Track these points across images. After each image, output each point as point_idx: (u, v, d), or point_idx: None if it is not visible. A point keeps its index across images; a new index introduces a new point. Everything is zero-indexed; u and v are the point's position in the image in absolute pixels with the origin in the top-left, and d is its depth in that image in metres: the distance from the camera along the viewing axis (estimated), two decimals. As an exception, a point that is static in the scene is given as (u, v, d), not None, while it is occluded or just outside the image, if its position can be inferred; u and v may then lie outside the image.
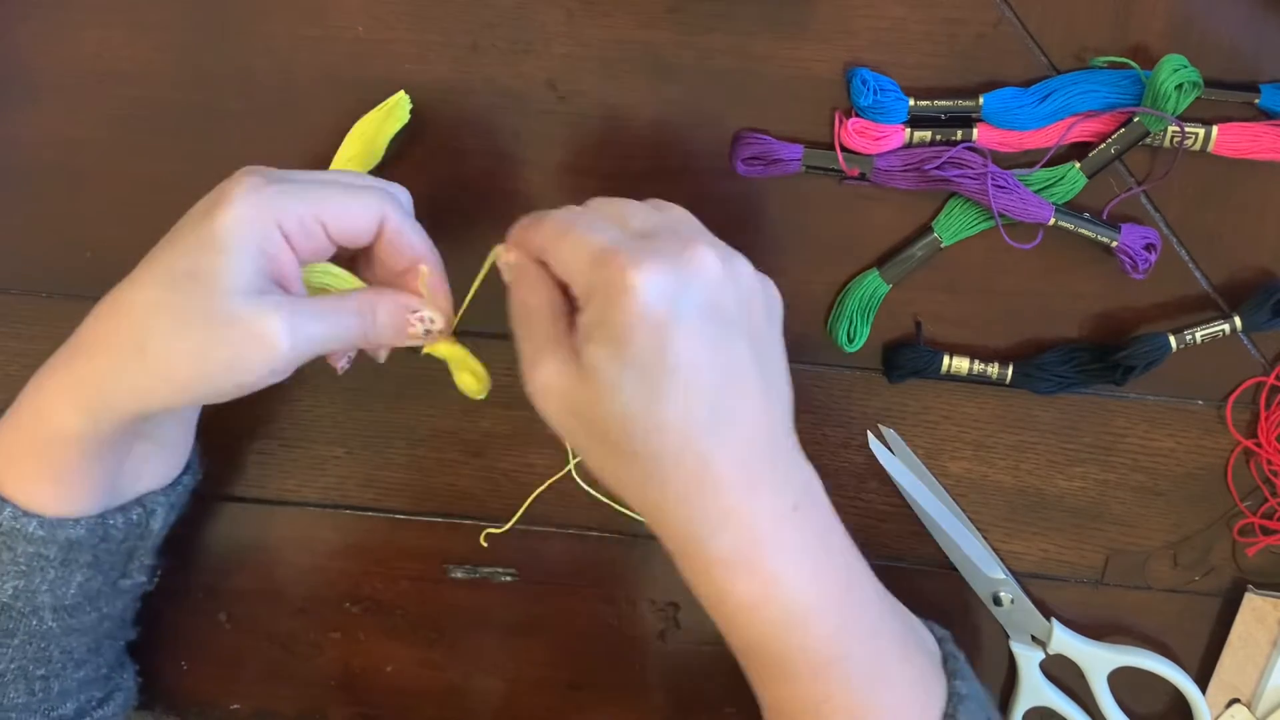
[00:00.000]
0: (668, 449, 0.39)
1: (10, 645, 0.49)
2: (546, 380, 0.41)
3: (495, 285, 0.46)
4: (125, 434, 0.47)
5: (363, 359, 0.50)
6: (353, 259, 0.48)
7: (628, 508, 0.44)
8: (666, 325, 0.38)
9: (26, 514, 0.46)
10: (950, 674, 0.46)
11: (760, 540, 0.41)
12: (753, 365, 0.41)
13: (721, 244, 0.42)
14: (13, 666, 0.49)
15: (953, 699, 0.44)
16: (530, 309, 0.43)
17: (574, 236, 0.41)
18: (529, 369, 0.42)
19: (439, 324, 0.47)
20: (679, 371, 0.38)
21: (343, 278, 0.48)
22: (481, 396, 0.50)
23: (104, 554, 0.50)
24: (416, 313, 0.46)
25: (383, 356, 0.49)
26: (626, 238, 0.41)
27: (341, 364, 0.50)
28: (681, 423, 0.39)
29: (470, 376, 0.49)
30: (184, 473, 0.53)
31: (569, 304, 0.42)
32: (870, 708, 0.43)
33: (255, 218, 0.42)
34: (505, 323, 0.44)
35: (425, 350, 0.48)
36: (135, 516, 0.50)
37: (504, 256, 0.45)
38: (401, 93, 0.53)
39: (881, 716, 0.43)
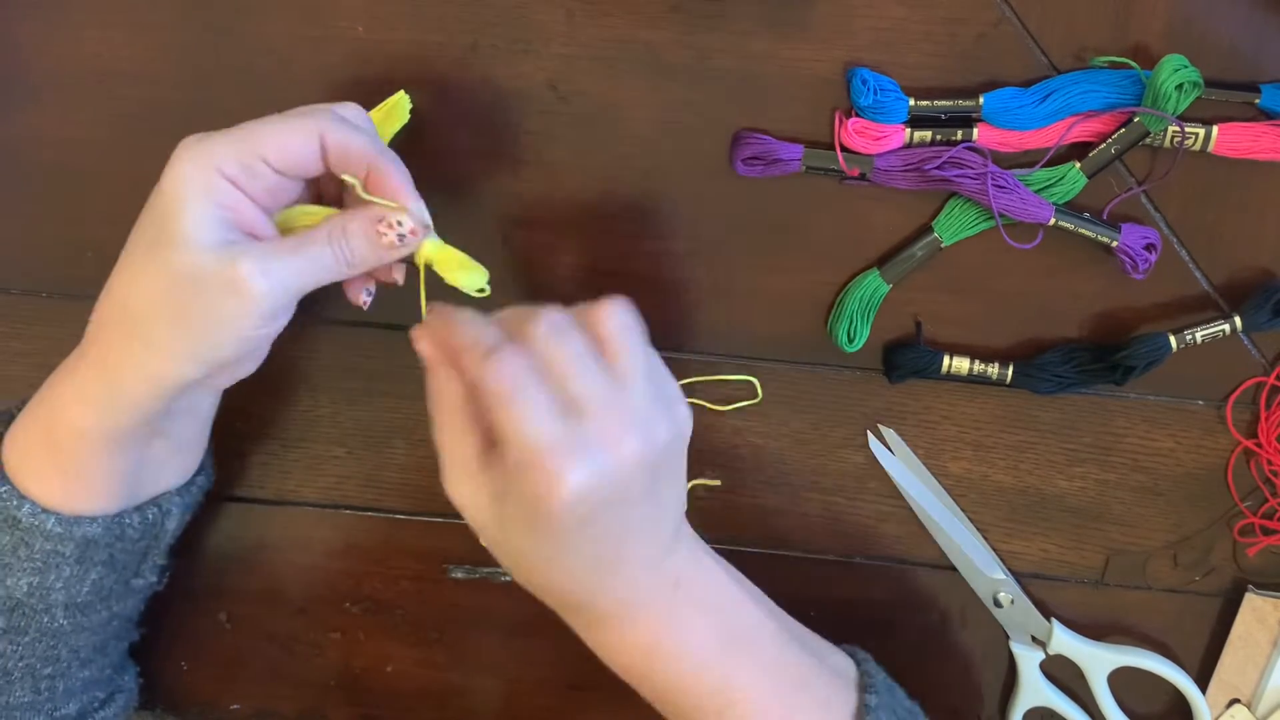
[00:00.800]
0: (556, 589, 0.45)
1: (21, 643, 0.49)
2: (464, 499, 0.44)
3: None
4: (142, 430, 0.47)
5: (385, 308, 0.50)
6: (339, 200, 0.48)
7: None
8: (580, 519, 0.41)
9: (45, 511, 0.47)
10: (863, 689, 0.48)
11: (642, 631, 0.46)
12: (648, 518, 0.44)
13: (644, 400, 0.42)
14: (21, 665, 0.49)
15: (860, 711, 0.48)
16: (446, 415, 0.44)
17: (517, 415, 0.40)
18: (448, 482, 0.44)
19: (407, 224, 0.45)
20: (581, 548, 0.43)
21: (319, 214, 0.47)
22: (482, 288, 0.47)
23: (119, 553, 0.50)
24: (383, 220, 0.45)
25: (398, 278, 0.49)
26: (561, 427, 0.40)
27: (362, 298, 0.49)
28: (571, 574, 0.44)
29: (463, 271, 0.47)
30: (198, 473, 0.53)
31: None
32: None
33: (195, 173, 0.43)
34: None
35: (416, 261, 0.47)
36: (151, 516, 0.50)
37: (416, 343, 0.44)
38: (401, 92, 0.53)
39: None
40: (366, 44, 0.54)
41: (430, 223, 0.46)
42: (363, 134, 0.45)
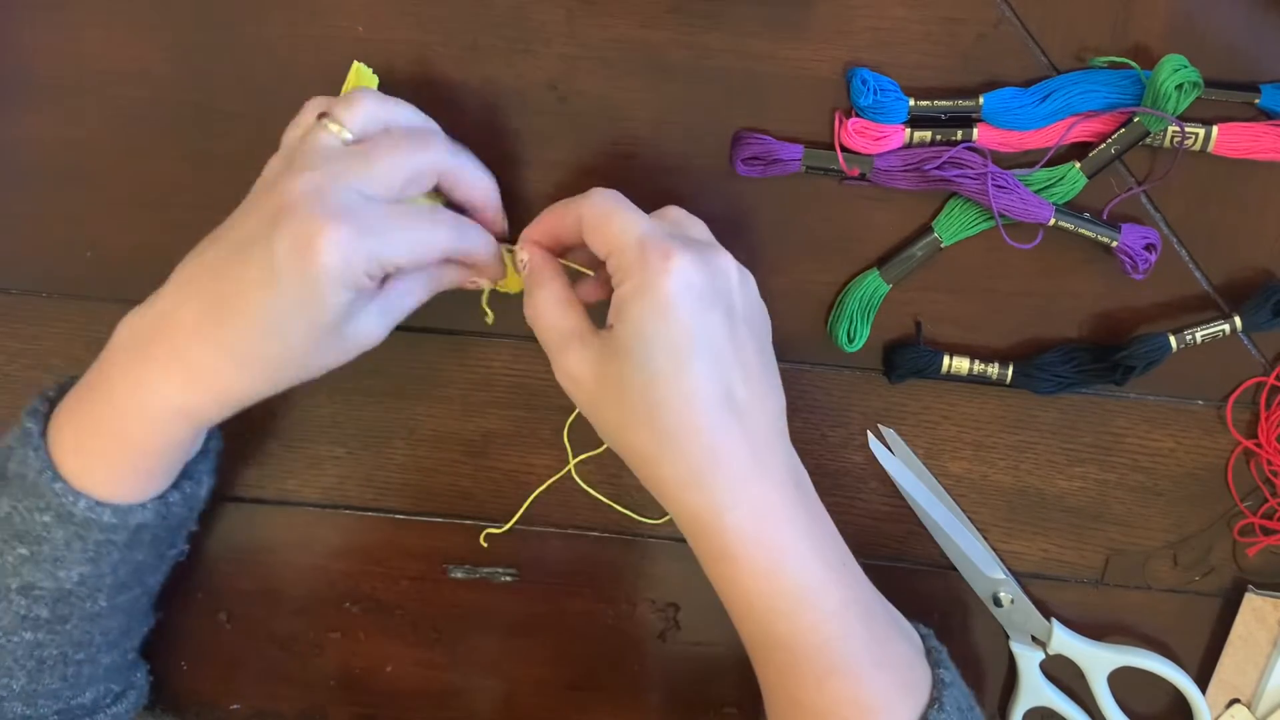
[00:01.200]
0: (687, 421, 0.44)
1: (63, 630, 0.50)
2: (577, 362, 0.46)
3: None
4: (232, 411, 0.49)
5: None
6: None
7: (632, 510, 0.48)
8: (699, 307, 0.43)
9: (101, 504, 0.47)
10: (934, 664, 0.48)
11: (769, 514, 0.45)
12: (759, 360, 0.46)
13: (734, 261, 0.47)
14: (56, 652, 0.50)
15: (938, 685, 0.47)
16: (551, 300, 0.47)
17: (621, 218, 0.45)
18: (559, 354, 0.46)
19: (485, 286, 0.52)
20: (706, 349, 0.43)
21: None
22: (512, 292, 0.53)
23: (163, 531, 0.51)
24: (470, 281, 0.51)
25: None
26: (664, 228, 0.45)
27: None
28: (703, 396, 0.44)
29: (513, 279, 0.52)
30: (210, 438, 0.54)
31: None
32: (868, 685, 0.45)
33: (346, 274, 0.44)
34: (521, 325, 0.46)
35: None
36: (188, 490, 0.52)
37: (520, 254, 0.49)
38: (356, 62, 0.53)
39: (876, 695, 0.45)
40: (366, 44, 0.54)
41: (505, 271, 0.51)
42: (474, 226, 0.49)
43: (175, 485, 0.51)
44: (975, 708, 0.49)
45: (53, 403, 0.49)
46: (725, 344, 0.44)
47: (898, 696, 0.46)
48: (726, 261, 0.45)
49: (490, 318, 0.55)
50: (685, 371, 0.43)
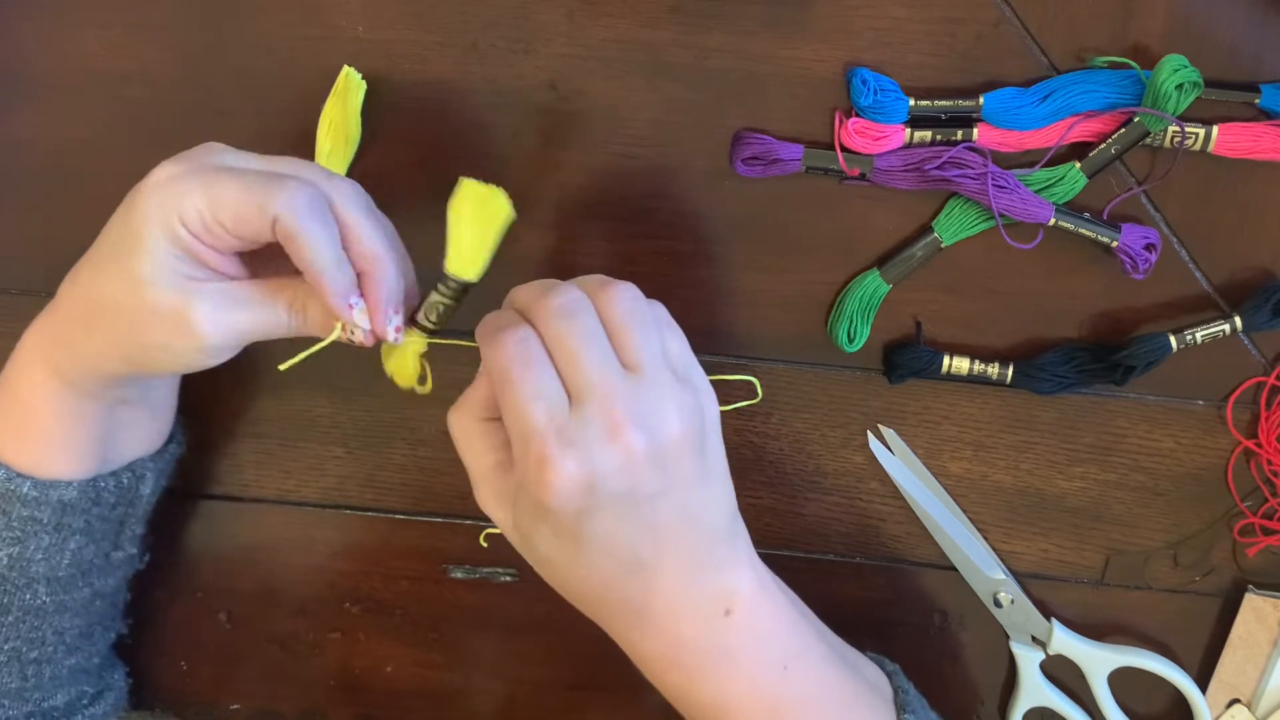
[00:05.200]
0: (591, 593, 0.43)
1: (4, 623, 0.49)
2: (488, 502, 0.44)
3: (489, 288, 0.46)
4: (108, 394, 0.48)
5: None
6: None
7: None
8: (581, 511, 0.40)
9: (20, 475, 0.48)
10: (899, 707, 0.48)
11: (687, 649, 0.44)
12: (674, 515, 0.42)
13: (655, 388, 0.41)
14: (6, 647, 0.50)
15: None
16: (467, 430, 0.44)
17: (511, 397, 0.40)
18: (480, 497, 0.45)
19: (358, 336, 0.45)
20: (594, 543, 0.41)
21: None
22: (412, 389, 0.48)
23: (96, 519, 0.51)
24: (341, 325, 0.45)
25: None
26: (556, 413, 0.40)
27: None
28: (602, 579, 0.43)
29: (401, 366, 0.48)
30: (169, 441, 0.54)
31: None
32: None
33: (158, 215, 0.43)
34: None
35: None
36: (125, 480, 0.51)
37: (354, 323, 0.44)
38: (346, 68, 0.53)
39: None
40: (366, 44, 0.54)
41: (393, 333, 0.45)
42: (320, 235, 0.43)
43: (113, 474, 0.51)
44: None
45: None
46: (620, 531, 0.41)
47: None
48: (629, 444, 0.40)
49: (421, 386, 0.48)
50: (576, 564, 0.42)
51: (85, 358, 0.46)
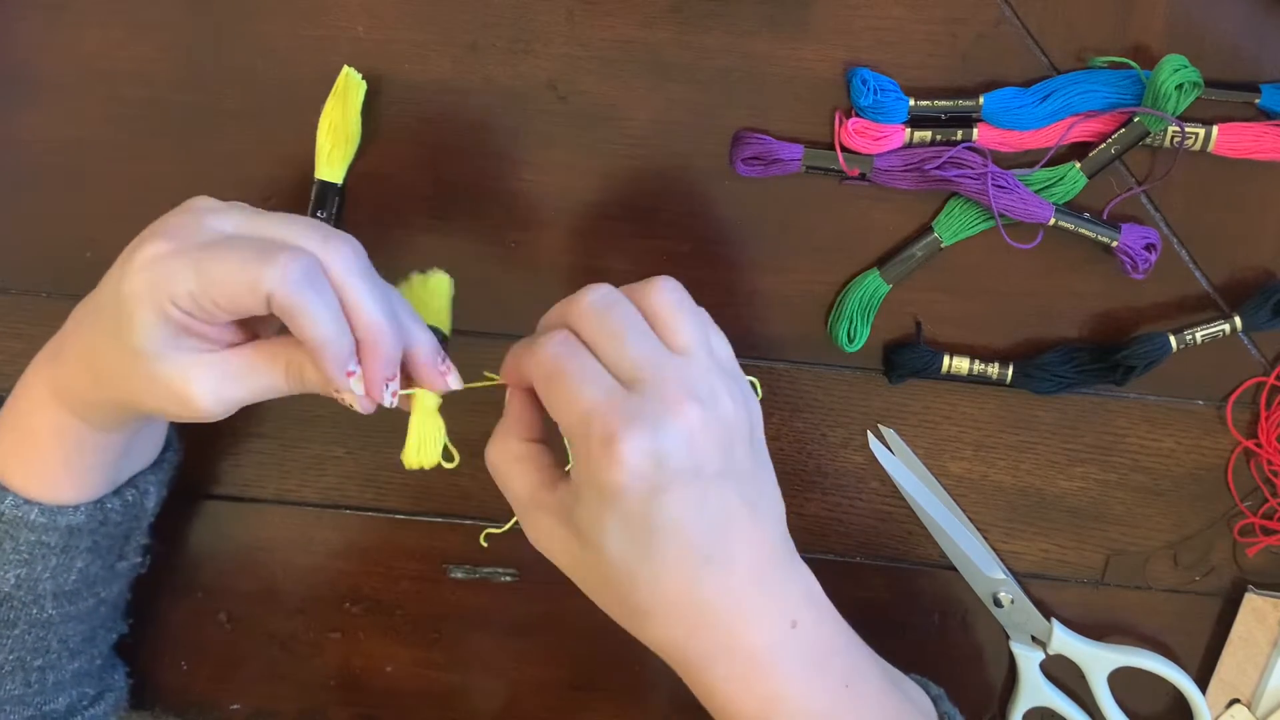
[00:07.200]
0: (663, 598, 0.41)
1: (10, 636, 0.49)
2: (543, 534, 0.42)
3: (489, 288, 0.46)
4: (121, 428, 0.48)
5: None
6: None
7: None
8: (652, 490, 0.38)
9: (28, 502, 0.47)
10: None
11: (759, 664, 0.42)
12: (739, 504, 0.41)
13: (704, 370, 0.40)
14: (11, 658, 0.50)
15: None
16: (508, 458, 0.43)
17: (563, 389, 0.39)
18: (525, 520, 0.43)
19: (357, 406, 0.43)
20: (666, 530, 0.39)
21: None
22: (421, 466, 0.46)
23: (103, 538, 0.50)
24: (337, 390, 0.43)
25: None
26: (613, 392, 0.39)
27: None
28: (674, 575, 0.40)
29: (417, 445, 0.46)
30: (166, 449, 0.54)
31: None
32: None
33: (149, 297, 0.41)
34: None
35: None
36: (130, 498, 0.51)
37: (385, 390, 0.43)
38: (345, 68, 0.53)
39: None
40: (366, 44, 0.54)
41: (389, 399, 0.44)
42: (316, 308, 0.40)
43: (117, 493, 0.50)
44: None
45: None
46: (691, 516, 0.39)
47: None
48: (687, 416, 0.39)
49: (448, 463, 0.46)
50: (648, 560, 0.40)
51: (95, 404, 0.46)
